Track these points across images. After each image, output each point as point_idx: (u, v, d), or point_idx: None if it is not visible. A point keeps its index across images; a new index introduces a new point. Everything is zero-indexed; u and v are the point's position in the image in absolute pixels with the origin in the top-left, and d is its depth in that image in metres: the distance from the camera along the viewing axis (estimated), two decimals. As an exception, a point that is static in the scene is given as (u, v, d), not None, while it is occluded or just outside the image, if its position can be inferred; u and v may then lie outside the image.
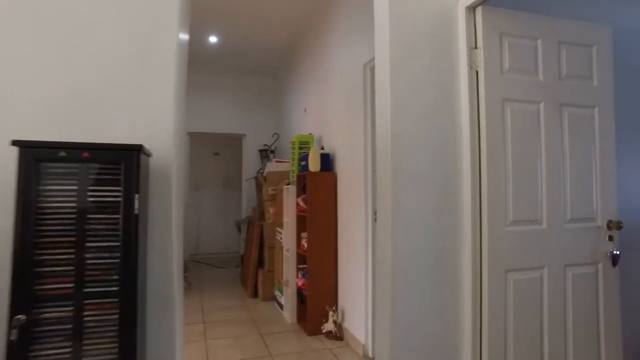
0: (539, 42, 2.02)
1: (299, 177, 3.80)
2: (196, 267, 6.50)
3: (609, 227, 2.12)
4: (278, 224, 4.30)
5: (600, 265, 2.11)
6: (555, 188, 2.02)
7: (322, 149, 3.80)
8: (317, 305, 3.45)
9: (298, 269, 3.71)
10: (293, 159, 3.96)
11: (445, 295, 1.89)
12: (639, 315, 2.52)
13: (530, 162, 1.98)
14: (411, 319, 1.84)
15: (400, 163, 1.82)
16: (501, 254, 1.90)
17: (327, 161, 3.60)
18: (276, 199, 4.41)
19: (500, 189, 1.91)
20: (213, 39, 4.88)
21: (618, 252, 2.12)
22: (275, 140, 6.11)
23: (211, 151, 7.67)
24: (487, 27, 1.92)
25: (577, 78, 2.09)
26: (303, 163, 3.76)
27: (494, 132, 1.91)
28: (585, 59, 2.12)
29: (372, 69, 3.01)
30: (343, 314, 3.40)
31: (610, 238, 2.13)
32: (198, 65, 5.74)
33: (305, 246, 3.51)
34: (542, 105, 2.01)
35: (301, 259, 3.70)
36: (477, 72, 1.93)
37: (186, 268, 5.34)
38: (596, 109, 2.13)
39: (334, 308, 3.41)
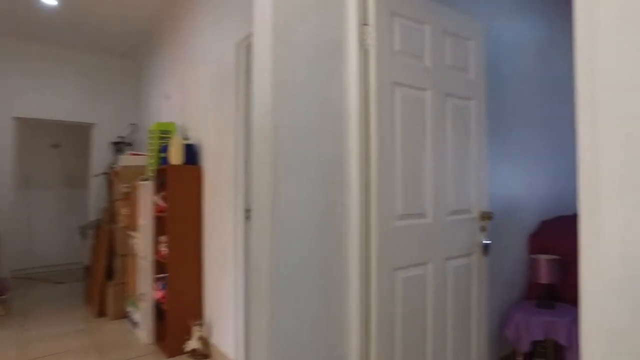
0: (427, 27, 1.93)
1: (158, 171, 3.23)
2: (24, 285, 5.24)
3: (481, 218, 2.15)
4: (132, 228, 3.62)
5: (474, 256, 2.12)
6: (440, 180, 1.95)
7: (187, 139, 3.30)
8: (178, 321, 2.94)
9: (156, 279, 3.14)
10: (152, 150, 3.36)
11: (330, 304, 1.65)
12: (497, 300, 2.66)
13: (417, 153, 1.86)
14: (292, 329, 1.54)
15: (282, 151, 1.51)
16: (390, 252, 1.73)
17: (191, 153, 3.12)
18: (130, 198, 3.72)
19: (390, 181, 1.75)
20: (50, 1, 3.91)
21: (489, 242, 2.16)
22: (133, 132, 5.28)
23: (49, 142, 6.35)
24: (379, 4, 1.74)
25: (458, 69, 2.07)
26: (163, 155, 3.20)
27: (384, 118, 1.74)
28: (464, 52, 2.12)
29: (247, 48, 2.66)
30: (210, 329, 2.96)
31: (483, 228, 2.17)
32: (29, 30, 4.61)
33: (165, 252, 2.97)
34: (429, 93, 1.92)
35: (160, 267, 3.14)
36: (366, 51, 1.74)
37: (4, 289, 4.21)
38: (472, 102, 2.14)
39: (199, 322, 2.94)
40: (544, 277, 2.39)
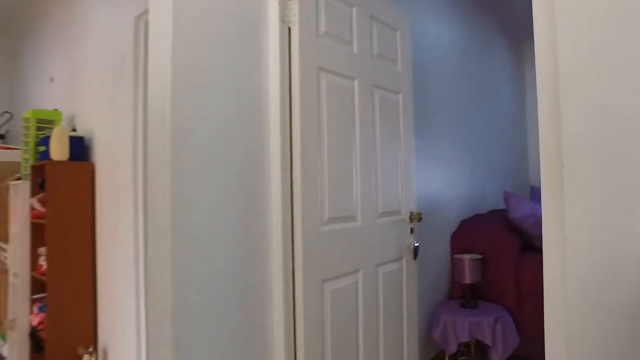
0: (354, 10, 1.74)
1: (35, 168, 2.66)
2: None
3: (410, 219, 2.03)
4: (1, 237, 2.97)
5: (404, 260, 2.00)
6: (369, 179, 1.78)
7: (74, 130, 2.77)
8: (63, 350, 2.43)
9: (33, 301, 2.58)
10: (27, 143, 2.76)
11: (251, 328, 1.38)
12: (424, 301, 2.60)
13: (345, 148, 1.67)
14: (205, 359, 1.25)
15: (186, 145, 1.21)
16: (317, 262, 1.51)
17: (80, 147, 2.61)
18: None
19: (316, 180, 1.53)
20: None
21: (418, 245, 2.06)
22: (7, 121, 4.43)
23: None
24: (301, -26, 1.50)
25: (385, 60, 1.92)
26: (43, 149, 2.65)
27: (309, 108, 1.51)
28: (392, 42, 1.97)
29: (148, 23, 2.26)
30: (106, 354, 2.50)
31: (412, 230, 2.05)
32: None
33: (44, 267, 2.44)
34: (356, 82, 1.73)
35: (38, 285, 2.58)
36: (289, 29, 1.50)
37: None
38: (400, 96, 2.01)
39: (91, 349, 2.47)
40: (469, 276, 2.36)
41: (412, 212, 2.03)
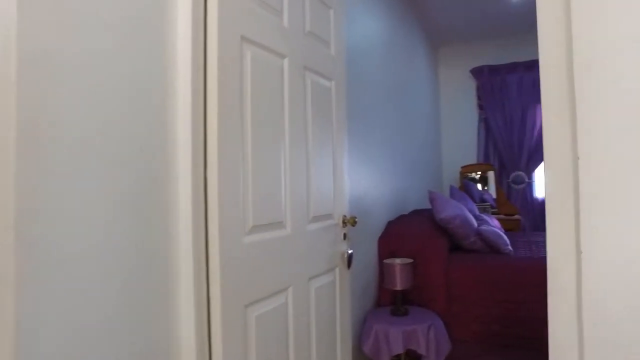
0: (283, -27, 1.45)
1: None
2: None
3: (344, 224, 1.81)
4: None
5: (337, 270, 1.76)
6: (300, 178, 1.51)
7: None
8: None
9: None
10: None
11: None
12: (354, 311, 2.40)
13: (273, 142, 1.37)
14: None
15: (41, 142, 0.81)
16: (239, 282, 1.19)
17: None
18: None
19: (237, 180, 1.21)
20: None
21: (352, 252, 1.84)
22: None
23: None
24: None
25: (318, 40, 1.66)
26: None
27: (229, 87, 1.19)
28: (325, 20, 1.72)
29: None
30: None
31: (345, 236, 1.83)
32: None
33: None
34: (286, 61, 1.44)
35: None
36: (202, -16, 1.16)
37: None
38: (333, 83, 1.77)
39: None
40: (400, 282, 2.21)
41: (345, 216, 1.80)
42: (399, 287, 2.22)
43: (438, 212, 2.60)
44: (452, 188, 3.73)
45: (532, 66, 4.61)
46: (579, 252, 0.62)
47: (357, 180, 2.41)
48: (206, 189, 1.14)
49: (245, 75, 1.25)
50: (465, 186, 4.74)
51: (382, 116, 2.95)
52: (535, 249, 2.84)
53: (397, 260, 2.27)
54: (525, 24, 4.44)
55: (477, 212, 3.55)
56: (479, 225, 2.80)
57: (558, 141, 0.64)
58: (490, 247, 2.60)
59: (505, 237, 2.62)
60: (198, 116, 1.13)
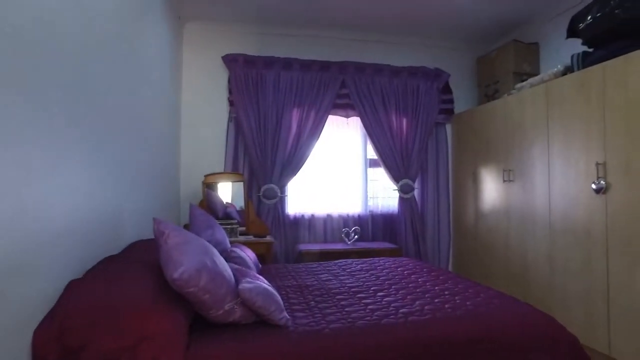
0: None
1: None
2: None
3: None
4: None
5: None
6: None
7: None
8: None
9: None
10: None
11: None
12: None
13: None
14: None
15: None
16: None
17: None
18: None
19: None
20: None
21: None
22: None
23: None
24: None
25: None
26: None
27: None
28: None
29: None
30: None
31: None
32: None
33: None
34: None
35: None
36: None
37: None
38: None
39: None
40: None
41: None
42: None
43: (170, 269, 1.42)
44: (192, 208, 2.62)
45: (290, 65, 4.05)
46: None
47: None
48: None
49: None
50: (207, 198, 3.73)
51: (92, 99, 1.56)
52: (318, 313, 1.80)
53: None
54: (284, 15, 3.83)
55: (229, 244, 2.57)
56: (235, 273, 1.77)
57: None
58: (257, 315, 1.61)
59: (277, 296, 1.66)
60: None
